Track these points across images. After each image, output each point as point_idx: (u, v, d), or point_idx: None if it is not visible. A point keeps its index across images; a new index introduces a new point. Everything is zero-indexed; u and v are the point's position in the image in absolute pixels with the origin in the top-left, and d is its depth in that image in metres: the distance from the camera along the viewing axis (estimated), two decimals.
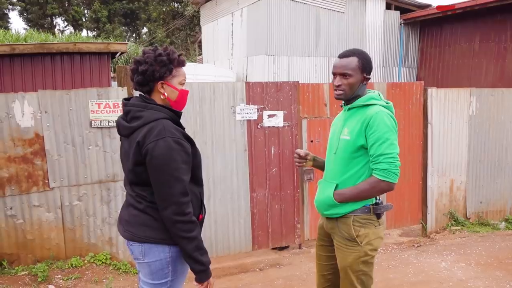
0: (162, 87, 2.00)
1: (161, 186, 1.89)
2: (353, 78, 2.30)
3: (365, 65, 2.32)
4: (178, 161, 1.89)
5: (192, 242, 1.91)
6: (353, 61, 2.30)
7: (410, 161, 5.65)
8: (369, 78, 2.36)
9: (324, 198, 2.37)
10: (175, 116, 2.03)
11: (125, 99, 2.09)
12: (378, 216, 2.33)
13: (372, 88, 4.79)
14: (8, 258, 4.16)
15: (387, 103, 2.36)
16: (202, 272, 1.98)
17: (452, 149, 5.92)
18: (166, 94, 2.01)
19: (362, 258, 2.29)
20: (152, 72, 1.95)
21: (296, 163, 2.59)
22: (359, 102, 2.33)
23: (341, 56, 2.36)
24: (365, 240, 2.29)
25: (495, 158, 6.24)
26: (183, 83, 2.08)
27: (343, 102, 2.46)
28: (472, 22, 10.87)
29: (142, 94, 2.05)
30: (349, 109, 2.38)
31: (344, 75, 2.31)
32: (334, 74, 2.36)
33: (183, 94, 2.08)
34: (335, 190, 2.33)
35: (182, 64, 2.06)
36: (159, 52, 1.98)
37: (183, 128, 2.06)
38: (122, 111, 2.06)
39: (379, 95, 2.38)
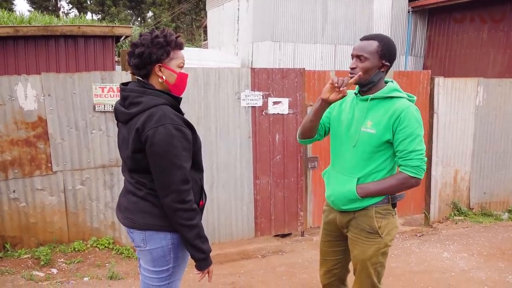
0: (160, 70, 1.95)
1: (161, 174, 1.86)
2: (368, 62, 2.16)
3: (385, 51, 2.17)
4: (179, 148, 1.86)
5: (193, 230, 1.89)
6: (372, 44, 2.17)
7: None
8: (388, 66, 2.22)
9: (345, 192, 2.26)
10: (174, 102, 1.98)
11: (122, 84, 2.03)
12: (394, 205, 2.29)
13: None
14: (11, 241, 4.19)
15: (409, 96, 2.26)
16: (203, 260, 1.96)
17: (458, 139, 5.87)
18: (164, 77, 1.95)
19: (382, 250, 2.25)
20: (149, 54, 1.90)
21: (337, 80, 2.11)
22: (382, 93, 2.21)
23: (362, 38, 2.24)
24: (386, 231, 2.24)
25: (500, 149, 6.19)
26: (182, 66, 2.01)
27: (356, 89, 2.34)
28: (481, 11, 10.69)
29: (141, 78, 2.00)
30: (371, 99, 2.23)
31: (359, 58, 2.18)
32: (352, 56, 2.24)
33: (182, 78, 2.01)
34: (356, 184, 2.24)
35: (179, 46, 1.99)
36: (156, 34, 1.92)
37: (183, 114, 2.01)
38: (119, 96, 2.01)
39: (397, 85, 2.28)
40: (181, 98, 2.06)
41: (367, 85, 2.24)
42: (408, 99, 2.24)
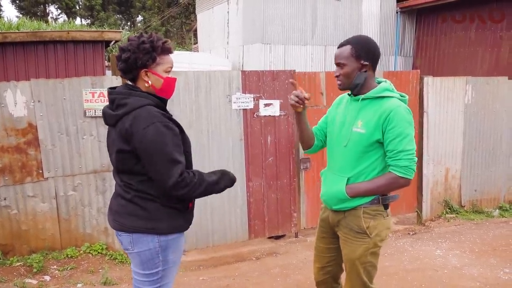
0: (146, 75, 1.98)
1: (158, 171, 1.88)
2: (347, 67, 2.23)
3: (360, 52, 2.21)
4: (170, 144, 1.89)
5: (207, 190, 2.03)
6: (346, 49, 2.23)
7: None
8: (369, 64, 2.24)
9: (335, 192, 2.30)
10: (160, 103, 2.02)
11: (110, 88, 2.07)
12: (386, 206, 2.29)
13: None
14: (3, 249, 4.15)
15: (401, 96, 2.28)
16: (228, 185, 2.20)
17: (448, 137, 5.93)
18: (150, 82, 1.99)
19: (371, 250, 2.27)
20: (135, 59, 1.93)
21: (292, 101, 2.34)
22: (373, 93, 2.24)
23: (338, 45, 2.31)
24: (375, 231, 2.25)
25: (489, 146, 6.26)
26: (169, 71, 2.04)
27: (350, 90, 2.37)
28: (468, 11, 10.82)
29: (129, 82, 2.05)
30: (363, 99, 2.27)
31: (339, 65, 2.26)
32: (335, 64, 2.33)
33: (169, 82, 2.04)
34: (347, 184, 2.27)
35: (167, 51, 2.01)
36: (143, 40, 1.95)
37: (170, 115, 2.05)
38: (108, 100, 2.04)
39: (390, 85, 2.29)
40: (167, 100, 2.09)
41: (354, 89, 2.28)
42: (399, 99, 2.25)
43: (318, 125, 2.58)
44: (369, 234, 2.25)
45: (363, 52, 2.22)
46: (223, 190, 2.14)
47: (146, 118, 1.87)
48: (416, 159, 2.20)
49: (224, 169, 2.22)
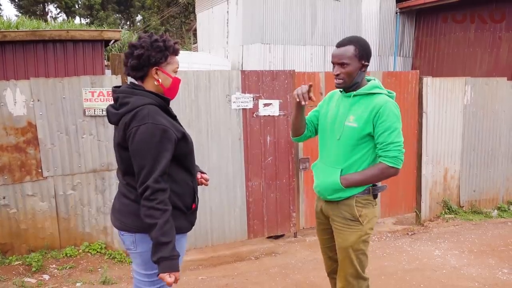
0: (156, 73, 2.01)
1: (139, 172, 1.88)
2: (350, 66, 2.34)
3: (362, 53, 2.35)
4: (157, 148, 1.88)
5: (153, 229, 1.84)
6: (350, 49, 2.33)
7: (405, 150, 5.65)
8: (368, 65, 2.38)
9: (330, 183, 2.41)
10: (163, 102, 2.02)
11: (114, 87, 2.09)
12: (375, 196, 2.44)
13: None
14: (2, 248, 4.15)
15: (389, 92, 2.43)
16: (165, 260, 1.87)
17: (447, 138, 5.94)
18: (160, 81, 2.01)
19: (362, 237, 2.40)
20: (148, 57, 1.95)
21: (296, 95, 2.37)
22: (364, 90, 2.38)
23: (338, 45, 2.39)
24: (366, 219, 2.40)
25: (488, 147, 6.28)
26: (176, 71, 2.09)
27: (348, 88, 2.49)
28: (468, 11, 10.83)
29: (134, 81, 2.05)
30: (354, 96, 2.40)
31: (341, 64, 2.35)
32: (333, 63, 2.40)
33: (176, 82, 2.08)
34: (340, 175, 2.39)
35: (176, 52, 2.06)
36: (155, 38, 1.98)
37: (174, 116, 2.07)
38: (112, 99, 2.06)
39: (379, 82, 2.43)
40: (169, 99, 2.09)
41: (352, 87, 2.41)
42: (387, 95, 2.40)
43: (309, 116, 2.70)
44: (362, 222, 2.38)
45: (365, 52, 2.37)
46: (160, 244, 1.84)
47: (143, 116, 1.88)
48: (404, 150, 2.35)
49: (171, 254, 1.87)
